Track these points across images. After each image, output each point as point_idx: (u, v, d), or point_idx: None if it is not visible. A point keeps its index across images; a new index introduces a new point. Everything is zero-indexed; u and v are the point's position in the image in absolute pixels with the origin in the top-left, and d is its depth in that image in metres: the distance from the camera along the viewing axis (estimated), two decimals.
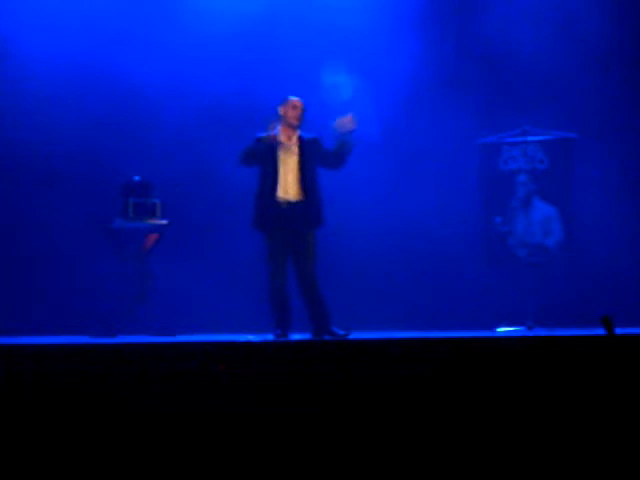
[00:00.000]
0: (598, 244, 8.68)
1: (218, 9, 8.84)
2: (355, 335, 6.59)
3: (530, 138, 8.49)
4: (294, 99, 6.93)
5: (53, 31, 8.55)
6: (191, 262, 8.65)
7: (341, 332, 6.68)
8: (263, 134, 6.80)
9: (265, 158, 6.80)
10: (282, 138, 6.83)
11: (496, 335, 7.30)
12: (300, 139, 6.90)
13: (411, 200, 8.91)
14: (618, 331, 5.68)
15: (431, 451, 3.73)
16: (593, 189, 8.75)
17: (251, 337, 6.40)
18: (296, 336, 6.73)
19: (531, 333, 7.64)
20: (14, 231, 8.44)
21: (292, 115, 6.87)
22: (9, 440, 3.67)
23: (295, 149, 6.85)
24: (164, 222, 7.99)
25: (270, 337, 6.56)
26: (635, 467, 3.72)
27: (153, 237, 7.95)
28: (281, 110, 6.90)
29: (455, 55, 8.98)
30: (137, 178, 8.04)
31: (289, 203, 6.77)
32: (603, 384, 4.05)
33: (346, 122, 6.78)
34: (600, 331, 5.70)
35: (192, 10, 8.85)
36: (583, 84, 8.84)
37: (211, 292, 8.58)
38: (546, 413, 3.91)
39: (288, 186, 6.78)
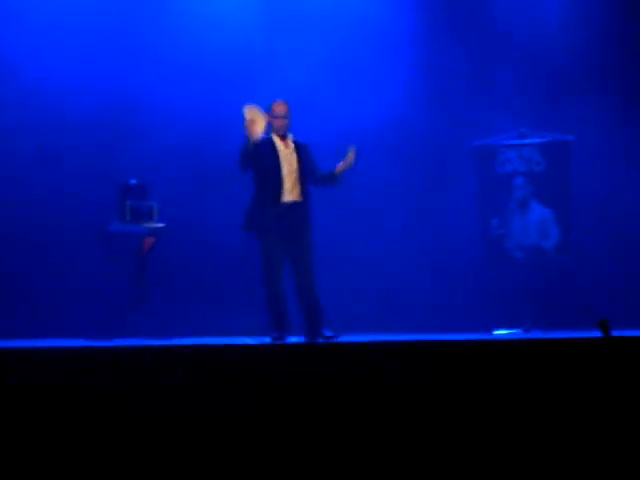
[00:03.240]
0: (595, 246, 8.69)
1: (216, 16, 8.86)
2: (351, 338, 6.59)
3: (527, 140, 8.50)
4: (275, 107, 6.84)
5: (49, 35, 8.55)
6: (188, 264, 8.65)
7: (329, 334, 6.66)
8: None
9: (264, 158, 6.77)
10: (276, 141, 6.82)
11: (493, 337, 7.30)
12: (296, 142, 6.90)
13: (408, 202, 8.92)
14: (614, 333, 5.68)
15: (428, 453, 3.73)
16: (590, 191, 8.76)
17: (248, 340, 6.40)
18: (292, 339, 6.72)
19: (528, 335, 7.64)
20: (10, 233, 8.42)
21: (275, 125, 6.82)
22: (6, 443, 3.67)
23: (292, 152, 6.84)
24: (161, 225, 7.98)
25: (267, 340, 6.55)
26: (633, 468, 3.72)
27: (150, 240, 7.95)
28: (267, 118, 6.85)
29: (452, 57, 8.98)
30: (134, 181, 8.03)
31: (290, 204, 6.75)
32: (600, 386, 4.05)
33: (349, 160, 6.77)
34: (597, 333, 5.71)
35: (189, 19, 8.85)
36: (580, 87, 8.85)
37: (208, 295, 8.57)
38: (543, 415, 3.91)
39: (291, 187, 6.76)
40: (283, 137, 6.86)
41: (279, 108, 6.84)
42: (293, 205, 6.76)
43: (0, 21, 8.56)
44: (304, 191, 6.81)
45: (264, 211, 6.78)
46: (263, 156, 6.75)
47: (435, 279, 8.81)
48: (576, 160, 8.50)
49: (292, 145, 6.88)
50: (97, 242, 8.02)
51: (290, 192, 6.76)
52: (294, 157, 6.84)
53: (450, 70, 8.97)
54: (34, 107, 8.53)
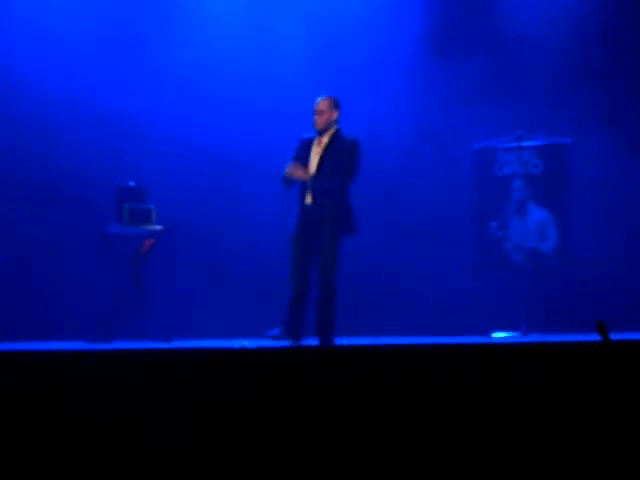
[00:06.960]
0: (593, 249, 8.69)
1: (218, 23, 8.87)
2: (350, 341, 6.58)
3: (525, 143, 8.51)
4: (315, 103, 6.70)
5: (47, 39, 8.56)
6: (186, 267, 8.65)
7: (274, 333, 6.60)
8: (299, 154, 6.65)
9: (300, 159, 6.65)
10: (314, 140, 6.68)
11: (491, 340, 7.31)
12: (330, 141, 6.68)
13: (406, 205, 8.93)
14: (613, 337, 5.68)
15: (427, 456, 3.73)
16: (588, 194, 8.76)
17: (247, 343, 6.40)
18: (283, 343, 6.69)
19: (526, 338, 7.65)
20: (9, 235, 8.43)
21: (314, 120, 6.68)
22: (6, 445, 3.68)
23: (322, 152, 6.66)
24: (159, 228, 7.98)
25: (265, 343, 6.53)
26: (632, 472, 3.73)
27: (148, 243, 7.95)
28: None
29: (451, 58, 8.99)
30: (132, 183, 8.03)
31: (309, 206, 6.61)
32: (598, 390, 4.06)
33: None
34: (595, 336, 5.71)
35: (190, 21, 8.86)
36: (579, 89, 8.85)
37: (207, 297, 8.57)
38: (540, 418, 3.92)
39: (308, 189, 6.61)
40: (321, 134, 6.65)
41: (315, 105, 6.67)
42: (311, 207, 6.60)
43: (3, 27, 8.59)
44: (319, 194, 6.57)
45: (297, 210, 6.69)
46: (299, 158, 6.64)
47: (433, 281, 8.81)
48: (575, 162, 8.51)
49: (326, 144, 6.68)
50: (96, 244, 8.02)
51: (309, 193, 6.60)
52: (318, 157, 6.63)
53: (449, 71, 8.97)
54: (34, 108, 8.55)
